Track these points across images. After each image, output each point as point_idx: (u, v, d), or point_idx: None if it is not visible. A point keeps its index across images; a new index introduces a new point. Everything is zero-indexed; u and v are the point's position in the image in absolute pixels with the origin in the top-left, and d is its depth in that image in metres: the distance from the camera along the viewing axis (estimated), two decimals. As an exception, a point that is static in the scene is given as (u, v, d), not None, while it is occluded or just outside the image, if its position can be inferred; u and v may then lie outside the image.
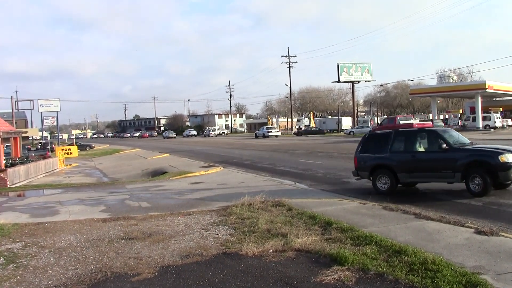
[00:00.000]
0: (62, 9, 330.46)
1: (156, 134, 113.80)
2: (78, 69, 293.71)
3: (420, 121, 57.67)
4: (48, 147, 42.65)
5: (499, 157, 9.77)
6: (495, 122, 48.82)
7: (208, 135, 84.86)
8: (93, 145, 59.69)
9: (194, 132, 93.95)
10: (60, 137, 71.67)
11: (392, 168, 11.20)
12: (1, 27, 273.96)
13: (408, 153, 11.14)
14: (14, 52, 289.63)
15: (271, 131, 61.30)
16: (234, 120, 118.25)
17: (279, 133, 64.59)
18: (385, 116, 75.41)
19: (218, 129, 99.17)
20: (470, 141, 11.47)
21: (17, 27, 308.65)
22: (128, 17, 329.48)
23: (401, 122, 37.07)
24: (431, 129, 12.34)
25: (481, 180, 9.92)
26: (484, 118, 49.58)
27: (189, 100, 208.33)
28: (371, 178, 11.70)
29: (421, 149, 11.20)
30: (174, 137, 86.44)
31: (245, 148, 37.83)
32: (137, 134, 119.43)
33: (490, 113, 51.53)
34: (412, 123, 35.05)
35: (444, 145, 10.52)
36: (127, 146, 57.23)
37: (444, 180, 10.70)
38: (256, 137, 62.67)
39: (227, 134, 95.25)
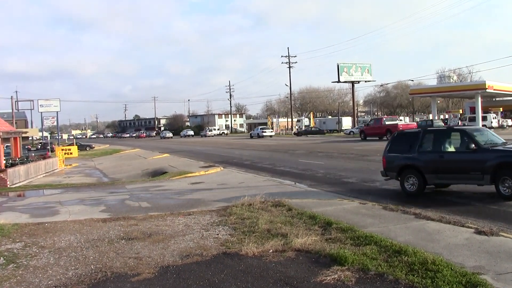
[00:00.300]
0: (62, 9, 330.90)
1: (154, 134, 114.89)
2: (78, 69, 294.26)
3: (419, 120, 58.56)
4: (48, 147, 42.67)
5: None
6: (491, 122, 49.64)
7: (205, 135, 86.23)
8: (93, 145, 59.69)
9: (191, 132, 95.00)
10: (60, 137, 71.70)
11: (419, 169, 10.80)
12: (1, 27, 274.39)
13: (436, 153, 10.69)
14: (14, 52, 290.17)
15: (265, 131, 63.18)
16: (234, 120, 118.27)
17: (273, 133, 66.25)
18: (371, 117, 76.80)
19: (218, 129, 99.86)
20: (504, 141, 10.84)
21: (17, 27, 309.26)
22: (128, 17, 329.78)
23: (387, 122, 39.03)
24: (460, 128, 11.77)
25: None
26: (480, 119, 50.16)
27: (189, 100, 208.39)
28: (399, 178, 11.36)
29: (450, 149, 10.75)
30: (171, 137, 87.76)
31: (245, 148, 37.82)
32: (134, 135, 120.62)
33: (490, 113, 51.77)
34: (397, 124, 37.21)
35: (473, 145, 9.94)
36: (127, 146, 57.22)
37: (473, 182, 10.21)
38: (251, 137, 64.08)
39: (227, 134, 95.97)
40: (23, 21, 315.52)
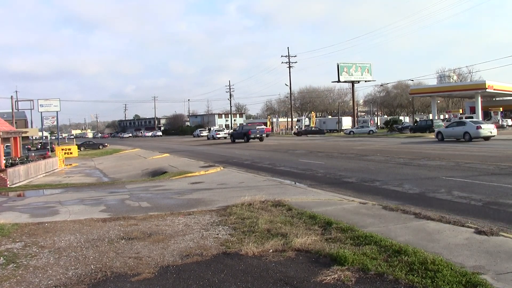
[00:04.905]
0: (68, 9, 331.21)
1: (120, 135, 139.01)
2: (82, 68, 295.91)
3: (417, 120, 60.36)
4: (48, 147, 42.70)
5: None
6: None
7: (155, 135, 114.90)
8: (106, 144, 60.28)
9: (160, 133, 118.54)
10: (61, 137, 71.84)
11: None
12: (8, 27, 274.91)
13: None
14: (19, 52, 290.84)
15: (219, 133, 65.63)
16: (234, 120, 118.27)
17: (221, 135, 65.67)
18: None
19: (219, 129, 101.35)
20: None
21: (24, 28, 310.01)
22: (134, 17, 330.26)
23: (245, 128, 54.88)
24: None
25: None
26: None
27: (189, 100, 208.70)
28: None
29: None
30: (130, 136, 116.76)
31: (245, 148, 37.82)
32: (131, 134, 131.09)
33: (490, 114, 52.17)
34: (249, 130, 50.54)
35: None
36: (127, 146, 57.24)
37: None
38: (204, 138, 74.78)
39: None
40: (29, 21, 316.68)
